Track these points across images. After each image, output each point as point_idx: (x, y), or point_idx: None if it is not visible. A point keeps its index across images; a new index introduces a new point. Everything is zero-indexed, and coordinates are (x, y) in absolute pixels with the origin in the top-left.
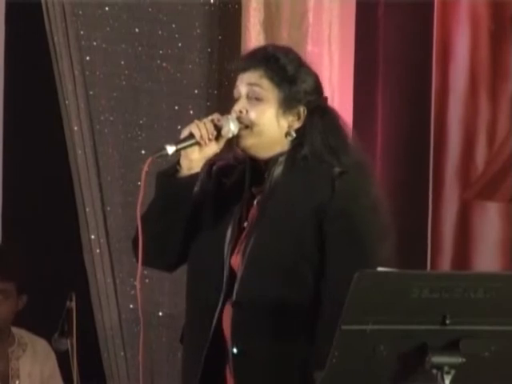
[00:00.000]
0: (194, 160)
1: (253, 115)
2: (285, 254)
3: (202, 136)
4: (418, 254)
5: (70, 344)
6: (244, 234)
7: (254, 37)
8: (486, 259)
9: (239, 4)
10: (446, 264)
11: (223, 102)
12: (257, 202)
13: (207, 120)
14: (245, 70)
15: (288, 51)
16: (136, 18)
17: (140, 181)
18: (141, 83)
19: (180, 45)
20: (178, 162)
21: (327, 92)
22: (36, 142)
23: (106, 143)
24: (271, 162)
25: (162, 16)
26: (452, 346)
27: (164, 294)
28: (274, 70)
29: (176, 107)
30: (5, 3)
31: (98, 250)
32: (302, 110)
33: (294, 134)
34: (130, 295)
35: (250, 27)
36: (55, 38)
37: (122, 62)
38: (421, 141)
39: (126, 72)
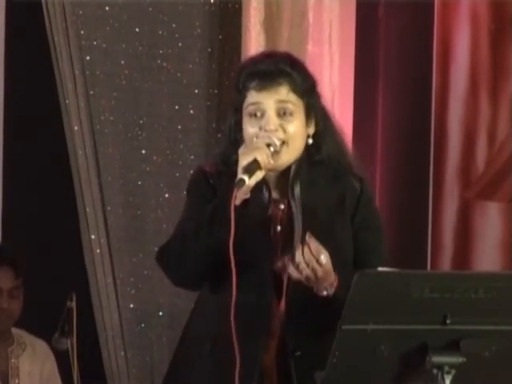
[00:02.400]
0: (251, 186)
1: (290, 130)
2: (333, 253)
3: (264, 161)
4: (418, 253)
5: (71, 344)
6: (280, 238)
7: (254, 37)
8: (487, 259)
9: (239, 4)
10: (446, 264)
11: (223, 101)
12: (287, 207)
13: (262, 145)
14: (266, 88)
15: (296, 59)
16: (136, 18)
17: (141, 181)
18: (141, 83)
19: (180, 44)
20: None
21: (327, 92)
22: (36, 141)
23: (106, 143)
24: (294, 167)
25: (163, 16)
26: (452, 346)
27: (164, 294)
28: (298, 83)
29: (176, 107)
30: (5, 3)
31: (98, 250)
32: (315, 116)
33: (311, 140)
34: (131, 295)
35: (250, 27)
36: (55, 38)
37: (123, 62)
38: (421, 141)
39: (127, 72)
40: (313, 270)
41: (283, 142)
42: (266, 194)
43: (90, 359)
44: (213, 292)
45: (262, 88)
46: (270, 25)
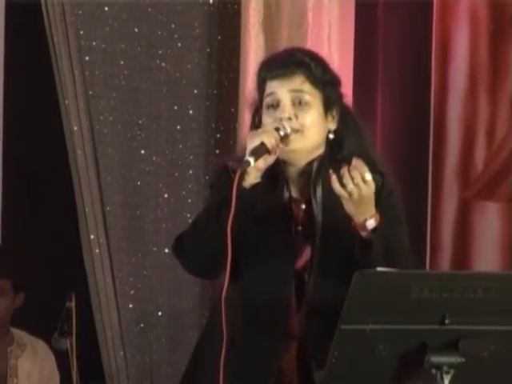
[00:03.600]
0: (260, 169)
1: (305, 119)
2: (351, 255)
3: (272, 144)
4: (417, 253)
5: (70, 344)
6: (301, 238)
7: (253, 37)
8: (486, 259)
9: (238, 4)
10: (445, 264)
11: (222, 101)
12: (306, 207)
13: (271, 129)
14: (280, 76)
15: (316, 54)
16: (135, 18)
17: (140, 181)
18: (140, 83)
19: (179, 45)
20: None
21: None
22: (36, 141)
23: (105, 143)
24: (313, 164)
25: (162, 16)
26: (451, 346)
27: (163, 294)
28: (315, 74)
29: (175, 107)
30: (4, 3)
31: (97, 250)
32: (336, 111)
33: (332, 136)
34: (130, 295)
35: (249, 27)
36: (55, 38)
37: (122, 62)
38: (420, 140)
39: (126, 72)
40: (357, 185)
41: (297, 131)
42: (287, 194)
43: (90, 359)
44: (230, 288)
45: (276, 77)
46: (269, 25)
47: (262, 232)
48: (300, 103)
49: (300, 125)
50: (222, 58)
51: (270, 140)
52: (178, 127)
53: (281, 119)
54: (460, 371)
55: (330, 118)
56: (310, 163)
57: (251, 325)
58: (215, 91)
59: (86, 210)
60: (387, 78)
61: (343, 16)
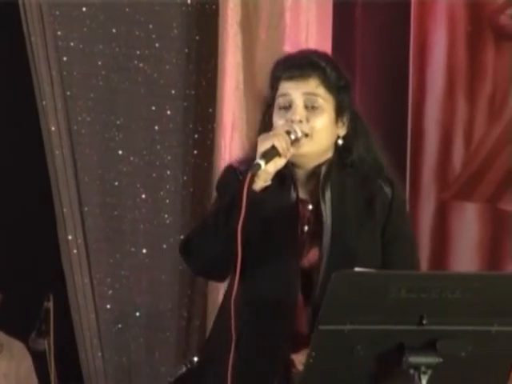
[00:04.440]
0: (270, 172)
1: (316, 123)
2: (363, 255)
3: (283, 148)
4: None
5: (48, 344)
6: (307, 237)
7: (231, 37)
8: (463, 259)
9: (216, 5)
10: (423, 264)
11: (200, 102)
12: (315, 208)
13: (282, 132)
14: (295, 78)
15: (331, 58)
16: (113, 19)
17: (118, 181)
18: (118, 84)
19: (157, 45)
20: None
21: None
22: (14, 142)
23: (83, 144)
24: (320, 168)
25: (140, 17)
26: (429, 346)
27: (141, 294)
28: (330, 78)
29: (153, 108)
30: None
31: (75, 251)
32: (346, 117)
33: (342, 141)
34: (108, 295)
35: (227, 28)
36: (32, 39)
37: (100, 63)
38: (398, 141)
39: (104, 72)
40: None
41: (306, 135)
42: (294, 194)
43: (68, 360)
44: (237, 289)
45: (291, 78)
46: (247, 26)
47: (268, 232)
48: (313, 107)
49: (310, 128)
50: (199, 58)
51: (281, 143)
52: (156, 128)
53: (292, 121)
54: (438, 371)
55: (340, 124)
56: (319, 166)
57: (258, 325)
58: (193, 92)
59: (64, 210)
60: (365, 78)
61: (321, 16)
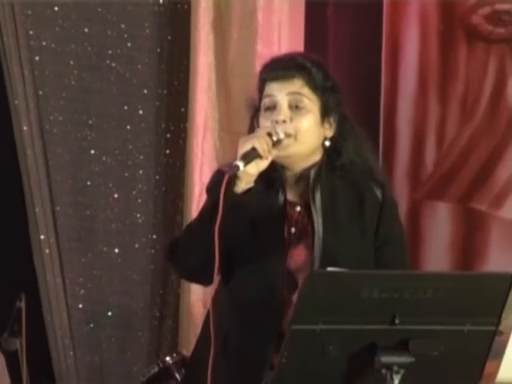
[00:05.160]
0: (252, 174)
1: (300, 123)
2: (354, 258)
3: (263, 149)
4: None
5: (20, 344)
6: (294, 239)
7: (203, 37)
8: (436, 259)
9: (188, 4)
10: None
11: (173, 102)
12: (303, 210)
13: (263, 134)
14: (280, 79)
15: (318, 60)
16: (85, 18)
17: (90, 181)
18: (90, 83)
19: (129, 45)
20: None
21: None
22: None
23: (55, 143)
24: (310, 170)
25: (112, 16)
26: (401, 346)
27: (113, 294)
28: (315, 79)
29: (125, 107)
30: None
31: (47, 250)
32: (334, 118)
33: (329, 143)
34: (80, 295)
35: (199, 27)
36: (5, 38)
37: (72, 62)
38: (370, 141)
39: (76, 72)
40: None
41: (289, 135)
42: (282, 196)
43: (40, 359)
44: (224, 290)
45: (275, 79)
46: (220, 25)
47: (255, 233)
48: (297, 107)
49: (294, 129)
50: (172, 58)
51: (261, 145)
52: (128, 127)
53: (276, 122)
54: (410, 371)
55: (326, 125)
56: (308, 169)
57: (245, 326)
58: (165, 91)
59: (36, 210)
60: (337, 78)
61: (293, 16)
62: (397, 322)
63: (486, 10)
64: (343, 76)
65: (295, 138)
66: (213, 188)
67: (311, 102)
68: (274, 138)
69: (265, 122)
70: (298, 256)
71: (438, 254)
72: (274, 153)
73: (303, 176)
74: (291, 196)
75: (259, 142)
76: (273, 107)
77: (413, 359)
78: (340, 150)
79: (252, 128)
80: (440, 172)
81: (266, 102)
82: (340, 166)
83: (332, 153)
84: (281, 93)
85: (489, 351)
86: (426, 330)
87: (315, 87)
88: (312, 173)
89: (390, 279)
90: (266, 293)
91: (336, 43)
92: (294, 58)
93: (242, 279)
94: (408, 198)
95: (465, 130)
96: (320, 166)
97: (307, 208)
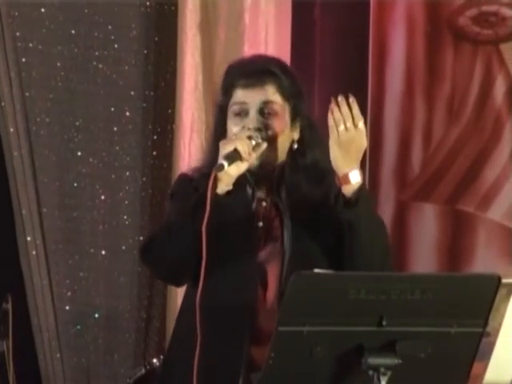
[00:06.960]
0: (232, 176)
1: (274, 130)
2: (322, 252)
3: (245, 152)
4: None
5: (6, 346)
6: (262, 233)
7: (190, 38)
8: (423, 260)
9: (175, 5)
10: None
11: (159, 103)
12: (270, 205)
13: (243, 136)
14: (251, 86)
15: (286, 65)
16: (72, 20)
17: (77, 182)
18: (77, 85)
19: (116, 46)
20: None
21: None
22: None
23: (42, 145)
24: (278, 170)
25: (98, 17)
26: (388, 348)
27: (100, 295)
28: (285, 85)
29: (112, 109)
30: None
31: (34, 252)
32: (299, 122)
33: (297, 146)
34: (67, 297)
35: (186, 29)
36: None
37: (58, 64)
38: None
39: (62, 73)
40: (348, 129)
41: (265, 140)
42: (250, 191)
43: (26, 361)
44: (195, 289)
45: (248, 86)
46: (207, 26)
47: (224, 231)
48: (269, 114)
49: (268, 135)
50: (158, 59)
51: (243, 147)
52: (115, 129)
53: (249, 129)
54: (397, 372)
55: (294, 128)
56: (274, 167)
57: (218, 324)
58: (152, 93)
59: (23, 211)
60: (324, 79)
61: (280, 16)
62: (384, 323)
63: (473, 11)
64: (330, 77)
65: (270, 143)
66: (178, 192)
67: (282, 108)
68: (253, 142)
69: (234, 128)
70: (266, 249)
71: (425, 256)
72: (254, 156)
73: (268, 175)
74: (259, 193)
75: (241, 145)
76: (243, 114)
77: (400, 361)
78: (304, 151)
79: (217, 129)
80: (427, 173)
81: (235, 108)
82: (303, 166)
83: (296, 153)
84: (254, 100)
85: (476, 353)
86: (413, 331)
87: (285, 93)
88: (276, 172)
89: (378, 280)
90: (238, 288)
91: (323, 44)
92: (263, 64)
93: (214, 277)
94: (395, 199)
95: (452, 131)
96: (283, 166)
97: (273, 203)
